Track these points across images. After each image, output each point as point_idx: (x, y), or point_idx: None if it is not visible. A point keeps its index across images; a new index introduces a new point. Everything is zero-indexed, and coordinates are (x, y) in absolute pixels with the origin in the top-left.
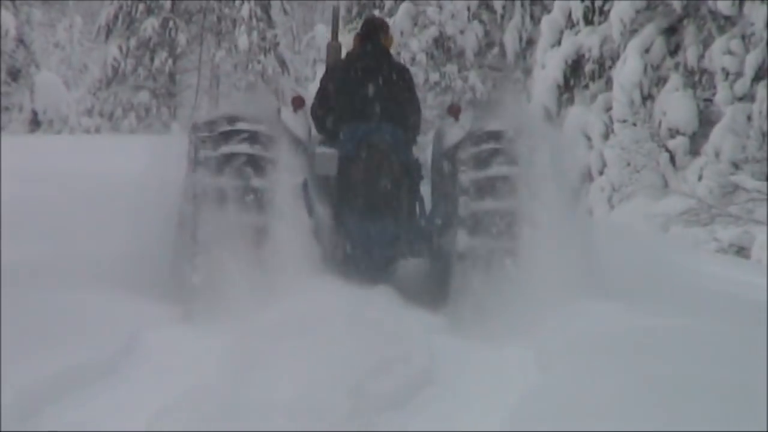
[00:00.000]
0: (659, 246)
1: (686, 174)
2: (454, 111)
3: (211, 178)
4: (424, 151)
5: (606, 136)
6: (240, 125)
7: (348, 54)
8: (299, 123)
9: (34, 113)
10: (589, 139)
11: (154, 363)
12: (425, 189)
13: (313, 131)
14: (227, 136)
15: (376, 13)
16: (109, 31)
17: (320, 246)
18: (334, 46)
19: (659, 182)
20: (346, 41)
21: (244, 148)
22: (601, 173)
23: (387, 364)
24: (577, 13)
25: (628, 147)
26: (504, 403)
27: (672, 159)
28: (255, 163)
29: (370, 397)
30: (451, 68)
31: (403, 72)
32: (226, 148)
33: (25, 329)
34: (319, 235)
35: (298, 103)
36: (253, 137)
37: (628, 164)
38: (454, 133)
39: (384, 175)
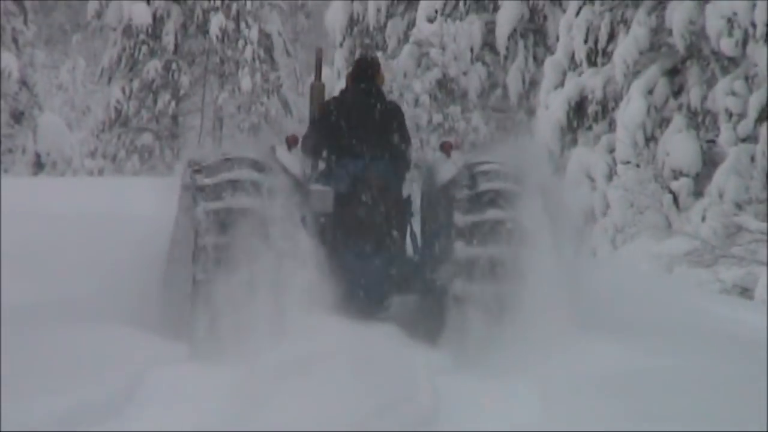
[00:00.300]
0: (662, 286)
1: (690, 215)
2: (446, 148)
3: (212, 203)
4: (411, 186)
5: (609, 177)
6: (236, 173)
7: (341, 92)
8: (294, 161)
9: (38, 155)
10: (592, 180)
11: (158, 402)
12: (416, 224)
13: (307, 169)
14: (225, 187)
15: (380, 54)
16: (112, 73)
17: (317, 281)
18: (317, 86)
19: (663, 223)
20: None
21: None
22: (604, 214)
23: (392, 403)
24: (581, 55)
25: (631, 188)
26: None
27: (675, 200)
28: (256, 188)
29: None
30: (455, 109)
31: (394, 110)
32: (226, 199)
33: (30, 369)
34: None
35: (292, 141)
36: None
37: (632, 205)
38: (447, 169)
39: (378, 212)
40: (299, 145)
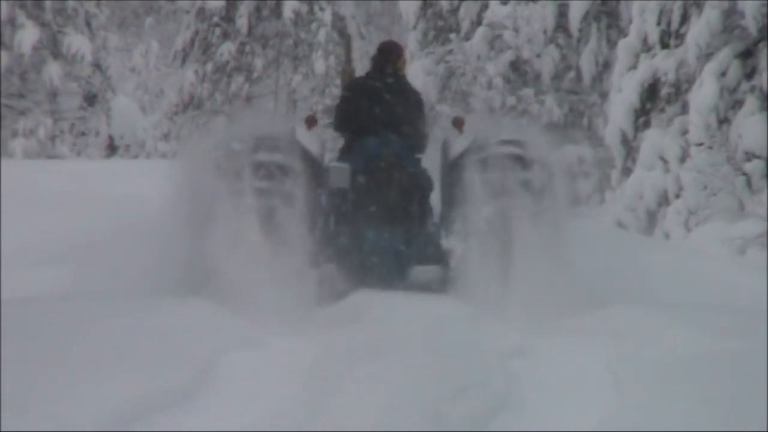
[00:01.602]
0: (733, 268)
1: (763, 197)
2: (458, 123)
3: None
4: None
5: (682, 160)
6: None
7: (365, 74)
8: (313, 140)
9: (111, 138)
10: (665, 162)
11: (231, 388)
12: (435, 198)
13: (326, 147)
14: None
15: (453, 37)
16: (185, 56)
17: (337, 256)
18: (347, 71)
19: (735, 205)
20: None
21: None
22: (677, 197)
23: (463, 389)
24: (654, 37)
25: (704, 170)
26: (581, 426)
27: (748, 182)
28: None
29: (448, 422)
30: (528, 92)
31: (413, 93)
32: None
33: (101, 354)
34: (336, 245)
35: (311, 122)
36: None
37: (705, 187)
38: (459, 143)
39: (394, 185)
40: (317, 125)
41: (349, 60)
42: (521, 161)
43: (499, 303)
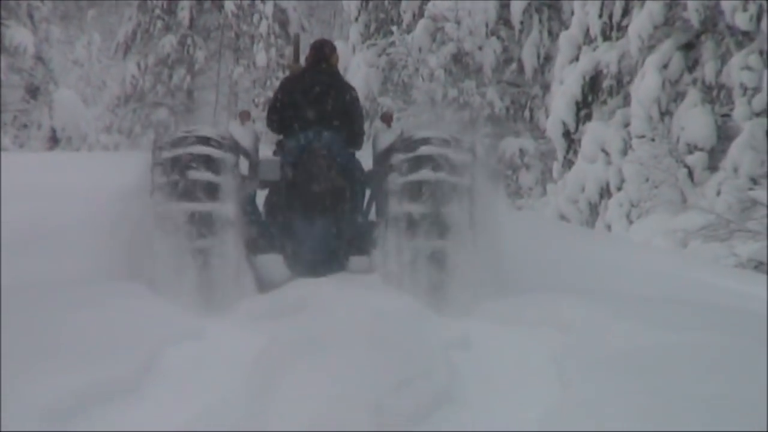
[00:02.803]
0: (676, 261)
1: (705, 189)
2: (386, 119)
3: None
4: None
5: (624, 152)
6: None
7: (300, 71)
8: (246, 135)
9: (53, 130)
10: (607, 154)
11: (174, 380)
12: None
13: (260, 142)
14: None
15: (394, 29)
16: (127, 48)
17: (267, 247)
18: (294, 67)
19: (678, 198)
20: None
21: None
22: (619, 189)
23: (407, 380)
24: (595, 29)
25: (646, 162)
26: (524, 420)
27: (690, 174)
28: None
29: (391, 414)
30: (469, 84)
31: (347, 88)
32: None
33: (44, 346)
34: (268, 236)
35: (245, 116)
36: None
37: (647, 180)
38: (386, 138)
39: (324, 178)
40: (251, 120)
41: (297, 57)
42: (445, 159)
43: (434, 297)
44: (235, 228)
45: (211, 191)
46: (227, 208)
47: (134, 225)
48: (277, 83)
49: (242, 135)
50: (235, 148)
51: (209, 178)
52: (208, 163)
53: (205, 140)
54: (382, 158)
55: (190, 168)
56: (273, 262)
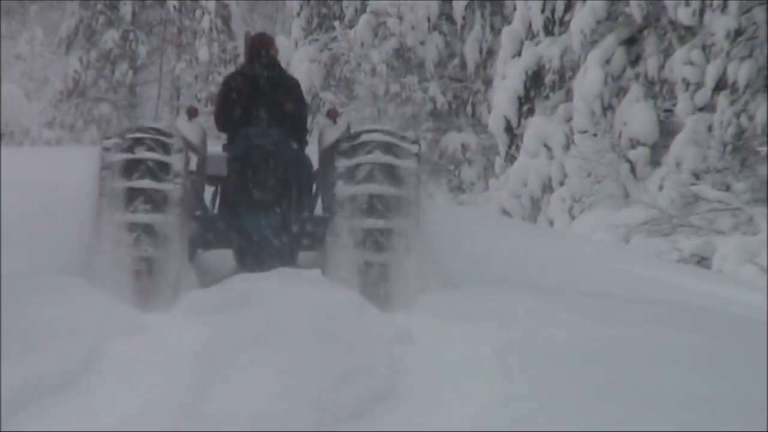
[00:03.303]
0: (618, 256)
1: (647, 184)
2: (331, 114)
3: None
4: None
5: (567, 147)
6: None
7: (241, 66)
8: (193, 130)
9: None
10: (549, 149)
11: (116, 374)
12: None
13: (208, 137)
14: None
15: (336, 24)
16: (69, 44)
17: (215, 242)
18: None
19: (620, 193)
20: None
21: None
22: (561, 184)
23: (349, 375)
24: (538, 24)
25: (588, 157)
26: (466, 413)
27: (633, 169)
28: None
29: (333, 408)
30: (412, 79)
31: (290, 80)
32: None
33: None
34: (215, 231)
35: (193, 112)
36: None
37: (589, 175)
38: (332, 134)
39: (270, 174)
40: (198, 115)
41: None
42: (389, 147)
43: (375, 290)
44: (179, 234)
45: (158, 201)
46: (173, 217)
47: (80, 223)
48: (219, 78)
49: (190, 131)
50: (183, 146)
51: (156, 186)
52: (156, 170)
53: (153, 144)
54: (327, 154)
55: (138, 177)
56: (218, 257)
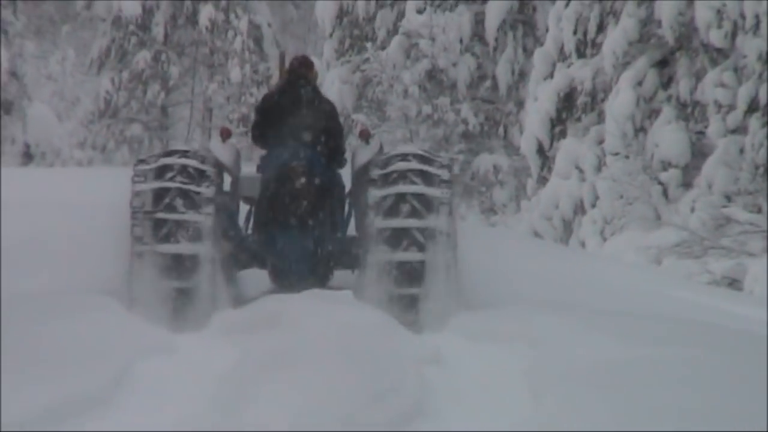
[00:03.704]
0: (650, 278)
1: (679, 206)
2: (364, 135)
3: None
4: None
5: (598, 169)
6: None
7: (280, 85)
8: (226, 152)
9: (27, 146)
10: (581, 171)
11: (145, 393)
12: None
13: (241, 158)
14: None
15: (368, 45)
16: (101, 64)
17: (249, 262)
18: (276, 84)
19: (651, 214)
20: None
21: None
22: (593, 206)
23: (378, 395)
24: (570, 46)
25: (620, 179)
26: None
27: (664, 191)
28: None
29: (362, 428)
30: (444, 101)
31: (327, 103)
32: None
33: (15, 362)
34: (249, 251)
35: (225, 133)
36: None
37: (621, 196)
38: (364, 154)
39: (303, 194)
40: (232, 137)
41: (282, 74)
42: (421, 175)
43: (406, 318)
44: (213, 264)
45: (193, 232)
46: (207, 246)
47: (112, 244)
48: (251, 99)
49: (223, 152)
50: (218, 171)
51: (191, 218)
52: (191, 199)
53: (187, 172)
54: (360, 174)
55: (172, 209)
56: (252, 276)
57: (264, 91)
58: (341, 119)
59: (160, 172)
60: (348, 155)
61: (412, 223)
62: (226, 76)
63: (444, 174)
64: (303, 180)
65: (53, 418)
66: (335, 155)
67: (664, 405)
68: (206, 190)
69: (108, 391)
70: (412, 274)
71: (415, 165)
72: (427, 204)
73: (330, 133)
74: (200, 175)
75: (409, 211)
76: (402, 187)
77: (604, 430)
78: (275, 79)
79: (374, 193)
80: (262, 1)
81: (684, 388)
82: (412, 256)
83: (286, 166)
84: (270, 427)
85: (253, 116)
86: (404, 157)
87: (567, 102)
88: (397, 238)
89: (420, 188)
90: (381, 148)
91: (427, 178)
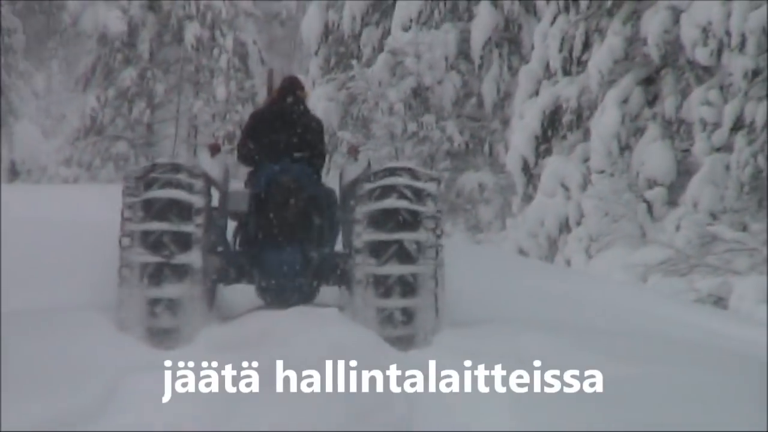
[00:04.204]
0: (635, 295)
1: (664, 224)
2: (352, 151)
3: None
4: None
5: (584, 187)
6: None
7: (269, 102)
8: (215, 166)
9: (13, 163)
10: (567, 189)
11: (133, 411)
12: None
13: (229, 173)
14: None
15: (354, 63)
16: (87, 82)
17: (237, 277)
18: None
19: (637, 232)
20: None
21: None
22: (579, 223)
23: (366, 412)
24: (555, 64)
25: (606, 197)
26: None
27: (650, 209)
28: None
29: None
30: (429, 118)
31: (313, 120)
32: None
33: (5, 377)
34: (238, 270)
35: (215, 148)
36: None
37: (606, 214)
38: (353, 170)
39: (291, 210)
40: (221, 152)
41: (270, 92)
42: (411, 189)
43: (394, 333)
44: (201, 275)
45: (182, 243)
46: (196, 257)
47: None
48: (237, 117)
49: (212, 167)
50: (206, 184)
51: (180, 229)
52: (181, 210)
53: (177, 183)
54: (348, 191)
55: (163, 218)
56: (239, 291)
57: (250, 109)
58: (327, 137)
59: (149, 183)
60: (336, 172)
61: (403, 236)
62: (211, 94)
63: (432, 188)
64: (291, 195)
65: None
66: (314, 162)
67: (646, 423)
68: (199, 200)
69: (95, 408)
70: (405, 287)
71: (404, 180)
72: (416, 217)
73: (315, 148)
74: (192, 188)
75: (400, 224)
76: (392, 202)
77: None
78: (262, 97)
79: (363, 208)
80: (248, 19)
81: (668, 407)
82: (405, 269)
83: (274, 180)
84: None
85: (240, 134)
86: (393, 171)
87: (552, 120)
88: (388, 251)
89: (409, 203)
90: (369, 164)
91: (417, 193)
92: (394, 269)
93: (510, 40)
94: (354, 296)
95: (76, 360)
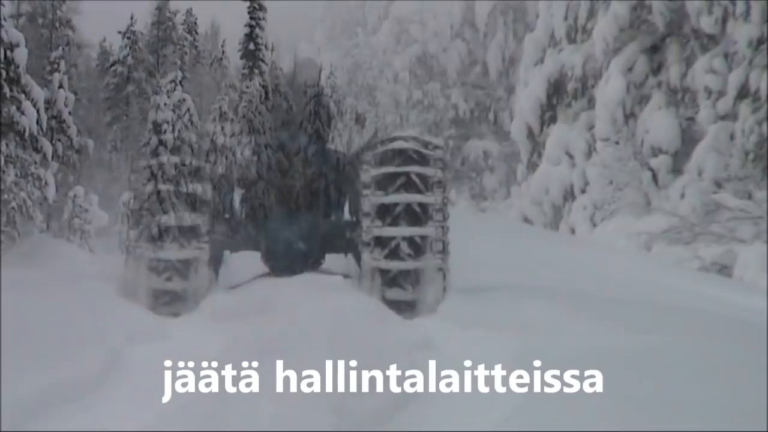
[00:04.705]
0: (639, 263)
1: (669, 192)
2: (360, 120)
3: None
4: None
5: (588, 155)
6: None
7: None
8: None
9: None
10: (571, 157)
11: (138, 379)
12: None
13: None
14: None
15: (359, 30)
16: None
17: (243, 245)
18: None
19: (642, 200)
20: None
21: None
22: (583, 191)
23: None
24: (560, 32)
25: (610, 165)
26: (487, 421)
27: (654, 177)
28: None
29: (354, 415)
30: (434, 86)
31: (322, 95)
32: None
33: (9, 344)
34: (245, 237)
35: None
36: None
37: (611, 182)
38: (359, 138)
39: (298, 178)
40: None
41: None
42: (417, 155)
43: (400, 296)
44: (207, 264)
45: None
46: (204, 251)
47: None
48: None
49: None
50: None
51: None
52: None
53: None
54: (355, 157)
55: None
56: (244, 258)
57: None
58: (333, 104)
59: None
60: (343, 140)
61: (410, 198)
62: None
63: (438, 154)
64: (298, 163)
65: (45, 404)
66: (324, 140)
67: (654, 391)
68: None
69: (100, 377)
70: (412, 248)
71: (411, 145)
72: (424, 181)
73: (321, 123)
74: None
75: (406, 187)
76: (399, 166)
77: (593, 415)
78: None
79: (371, 172)
80: None
81: (672, 375)
82: (413, 230)
83: (282, 149)
84: (261, 411)
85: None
86: (400, 138)
87: (557, 88)
88: (395, 212)
89: (418, 167)
90: (375, 132)
91: (424, 158)
92: (403, 231)
93: (515, 8)
94: (361, 262)
95: (82, 328)
